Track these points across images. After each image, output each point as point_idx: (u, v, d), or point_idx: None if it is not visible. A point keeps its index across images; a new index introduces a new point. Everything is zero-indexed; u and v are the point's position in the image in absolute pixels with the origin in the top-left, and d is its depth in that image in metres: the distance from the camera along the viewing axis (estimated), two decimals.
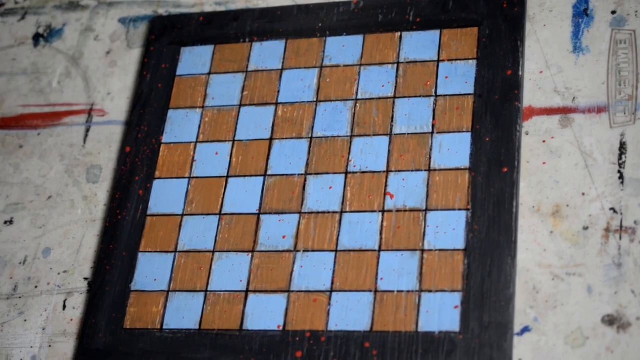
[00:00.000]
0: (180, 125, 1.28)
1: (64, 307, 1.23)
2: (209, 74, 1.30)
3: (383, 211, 1.16)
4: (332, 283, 1.14)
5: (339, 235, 1.16)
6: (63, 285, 1.24)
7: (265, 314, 1.14)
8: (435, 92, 1.21)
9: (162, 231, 1.22)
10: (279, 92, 1.27)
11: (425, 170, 1.17)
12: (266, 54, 1.29)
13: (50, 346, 1.21)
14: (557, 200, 1.13)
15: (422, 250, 1.13)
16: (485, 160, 1.15)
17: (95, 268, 1.23)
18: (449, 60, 1.22)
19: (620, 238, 1.10)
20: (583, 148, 1.15)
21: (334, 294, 1.13)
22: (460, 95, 1.20)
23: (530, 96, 1.19)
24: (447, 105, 1.20)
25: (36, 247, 1.27)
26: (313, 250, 1.16)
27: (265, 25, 1.31)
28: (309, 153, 1.22)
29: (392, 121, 1.21)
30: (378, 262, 1.14)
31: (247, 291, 1.16)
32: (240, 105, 1.27)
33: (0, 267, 1.27)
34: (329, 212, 1.18)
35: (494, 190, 1.14)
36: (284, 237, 1.18)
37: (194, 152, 1.26)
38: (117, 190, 1.26)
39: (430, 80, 1.22)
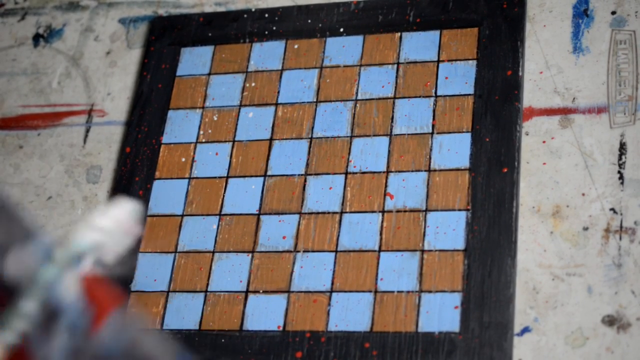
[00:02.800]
0: (180, 126, 1.28)
1: None
2: (209, 74, 1.30)
3: (383, 211, 1.16)
4: (332, 283, 1.14)
5: (339, 236, 1.16)
6: None
7: (265, 315, 1.14)
8: (435, 93, 1.21)
9: (162, 231, 1.22)
10: (279, 92, 1.27)
11: (425, 171, 1.17)
12: (266, 54, 1.29)
13: None
14: (557, 200, 1.13)
15: (422, 251, 1.13)
16: (485, 160, 1.15)
17: None
18: (448, 60, 1.22)
19: (620, 238, 1.10)
20: (583, 148, 1.15)
21: (334, 294, 1.13)
22: (460, 95, 1.20)
23: (530, 96, 1.19)
24: (447, 105, 1.20)
25: None
26: (313, 251, 1.16)
27: (265, 25, 1.31)
28: (309, 153, 1.22)
29: (392, 121, 1.21)
30: (378, 263, 1.14)
31: (247, 291, 1.16)
32: (241, 105, 1.27)
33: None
34: (329, 213, 1.18)
35: (494, 190, 1.14)
36: (284, 237, 1.18)
37: (194, 153, 1.26)
38: (117, 191, 1.26)
39: (430, 81, 1.22)
